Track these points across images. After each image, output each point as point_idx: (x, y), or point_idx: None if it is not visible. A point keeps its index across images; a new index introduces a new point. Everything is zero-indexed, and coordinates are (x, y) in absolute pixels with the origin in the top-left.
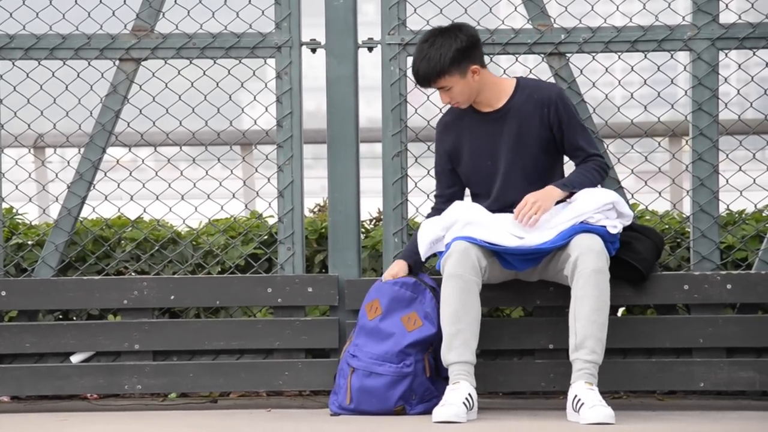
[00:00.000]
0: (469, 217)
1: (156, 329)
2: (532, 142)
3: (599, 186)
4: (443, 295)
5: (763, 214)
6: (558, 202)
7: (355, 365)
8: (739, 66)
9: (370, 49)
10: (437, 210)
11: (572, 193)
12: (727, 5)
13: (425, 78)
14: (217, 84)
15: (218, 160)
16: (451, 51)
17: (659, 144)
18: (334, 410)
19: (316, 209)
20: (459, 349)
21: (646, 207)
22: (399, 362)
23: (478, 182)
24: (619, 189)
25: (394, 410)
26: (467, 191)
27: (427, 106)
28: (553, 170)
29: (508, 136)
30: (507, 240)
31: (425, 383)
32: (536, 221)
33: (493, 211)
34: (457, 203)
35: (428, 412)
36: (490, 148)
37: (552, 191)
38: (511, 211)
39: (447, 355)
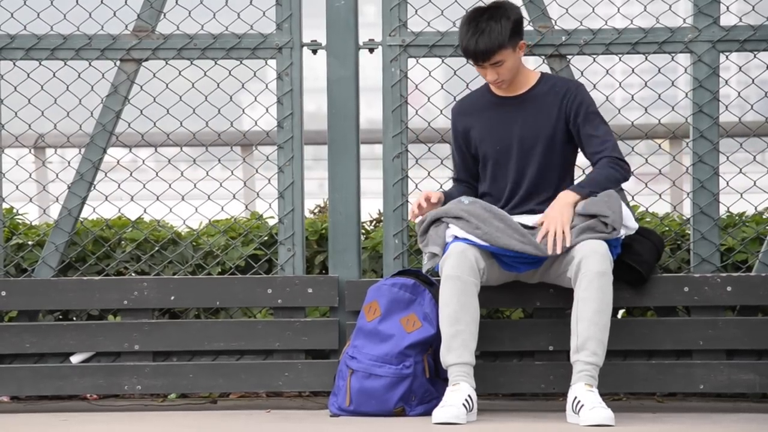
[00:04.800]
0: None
1: (156, 330)
2: (547, 133)
3: (617, 179)
4: (441, 297)
5: (764, 217)
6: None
7: (355, 367)
8: (740, 68)
9: (371, 51)
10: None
11: (590, 193)
12: (728, 7)
13: (485, 52)
14: (218, 85)
15: (219, 160)
16: (510, 23)
17: (660, 146)
18: (334, 411)
19: (316, 210)
20: (458, 350)
21: (647, 209)
22: (398, 364)
23: (488, 166)
24: (619, 191)
25: (393, 411)
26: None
27: (428, 108)
28: (562, 165)
29: (523, 123)
30: (509, 243)
31: (425, 384)
32: (568, 241)
33: (504, 201)
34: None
35: (428, 413)
36: (501, 131)
37: (567, 200)
38: (520, 210)
39: (446, 356)
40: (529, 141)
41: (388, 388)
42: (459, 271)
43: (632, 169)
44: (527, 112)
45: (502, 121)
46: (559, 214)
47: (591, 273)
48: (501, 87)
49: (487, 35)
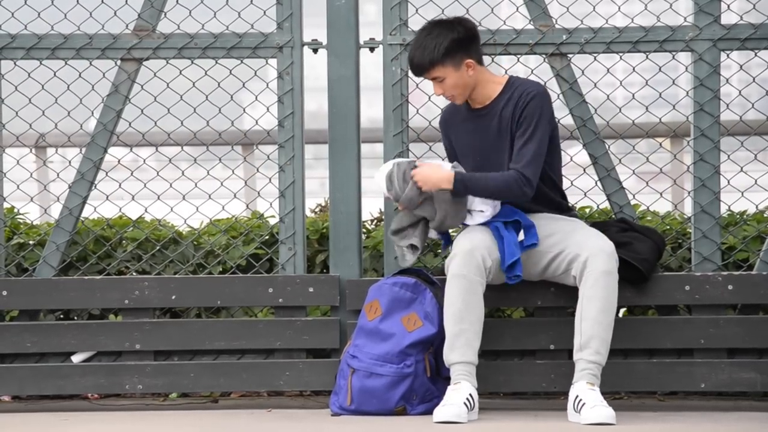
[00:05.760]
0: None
1: (157, 329)
2: (510, 142)
3: (508, 194)
4: (447, 295)
5: (765, 215)
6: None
7: (356, 366)
8: (741, 67)
9: (372, 50)
10: None
11: (465, 193)
12: (728, 6)
13: (418, 67)
14: (219, 84)
15: (219, 160)
16: (447, 41)
17: (660, 145)
18: (335, 411)
19: (317, 209)
20: (461, 349)
21: (648, 208)
22: (399, 363)
23: None
24: (620, 190)
25: (394, 410)
26: None
27: (429, 107)
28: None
29: (492, 134)
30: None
31: (426, 383)
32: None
33: None
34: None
35: (429, 412)
36: (476, 144)
37: (442, 179)
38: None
39: (449, 354)
40: (496, 154)
41: (389, 387)
42: (466, 270)
43: (633, 168)
44: (490, 125)
45: (472, 135)
46: (429, 179)
47: (597, 272)
48: (455, 101)
49: (421, 50)
